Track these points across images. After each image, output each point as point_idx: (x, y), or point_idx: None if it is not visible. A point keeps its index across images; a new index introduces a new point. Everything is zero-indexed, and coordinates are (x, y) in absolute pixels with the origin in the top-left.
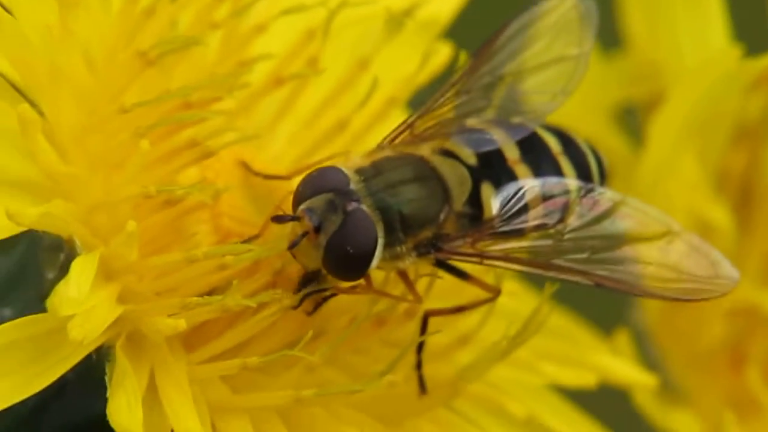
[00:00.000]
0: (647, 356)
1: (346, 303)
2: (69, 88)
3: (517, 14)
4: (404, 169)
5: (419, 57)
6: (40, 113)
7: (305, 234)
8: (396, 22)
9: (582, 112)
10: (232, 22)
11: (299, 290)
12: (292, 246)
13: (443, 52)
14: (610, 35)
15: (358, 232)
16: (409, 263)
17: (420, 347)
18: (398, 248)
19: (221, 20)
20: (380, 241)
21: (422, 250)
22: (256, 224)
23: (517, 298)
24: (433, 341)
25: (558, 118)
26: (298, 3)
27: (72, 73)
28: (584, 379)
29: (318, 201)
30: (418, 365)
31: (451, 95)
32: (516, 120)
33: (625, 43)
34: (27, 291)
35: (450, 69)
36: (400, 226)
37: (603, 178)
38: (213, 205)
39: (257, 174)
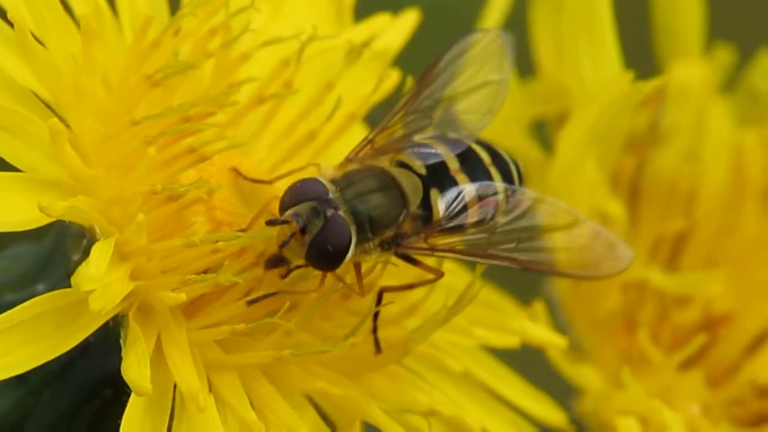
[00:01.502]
0: (558, 322)
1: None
2: (90, 105)
3: (450, 46)
4: (370, 180)
5: (374, 80)
6: (67, 125)
7: (293, 235)
8: (355, 52)
9: (505, 126)
10: (223, 51)
11: (267, 268)
12: (283, 245)
13: (393, 77)
14: (526, 64)
15: (336, 234)
16: (375, 257)
17: (376, 316)
18: (367, 245)
19: (214, 50)
20: (353, 240)
21: (385, 246)
22: (243, 215)
23: (455, 275)
24: (388, 311)
25: (486, 132)
26: (276, 36)
27: (92, 92)
28: (509, 341)
29: (303, 207)
30: (374, 330)
31: (400, 115)
32: (453, 136)
33: (538, 70)
34: (57, 270)
35: (398, 90)
36: (369, 228)
37: (521, 181)
38: (208, 200)
39: (246, 178)
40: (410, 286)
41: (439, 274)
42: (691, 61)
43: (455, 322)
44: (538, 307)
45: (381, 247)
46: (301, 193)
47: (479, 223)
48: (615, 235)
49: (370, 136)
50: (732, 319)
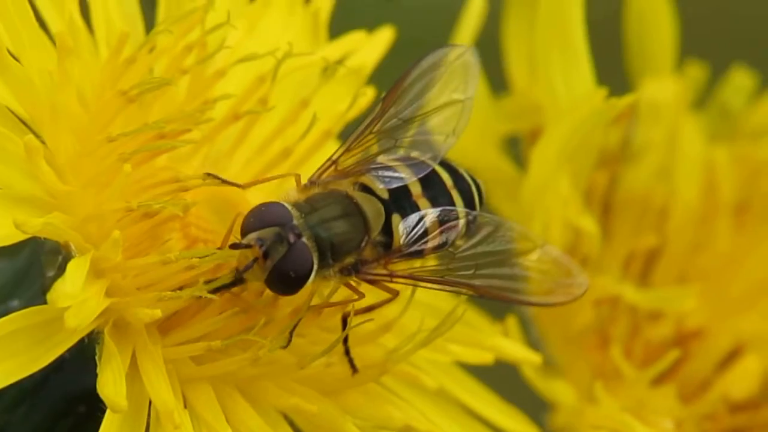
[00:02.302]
0: (531, 337)
1: (290, 297)
2: (66, 121)
3: (415, 63)
4: (334, 206)
5: (350, 97)
6: (42, 142)
7: (256, 259)
8: (331, 69)
9: (478, 142)
10: (198, 68)
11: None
12: (245, 270)
13: (368, 94)
14: (498, 80)
15: (298, 261)
16: (334, 282)
17: (345, 340)
18: (327, 271)
19: (189, 67)
20: (314, 267)
21: (345, 272)
22: (218, 232)
23: (429, 293)
24: (362, 328)
25: (459, 148)
26: (251, 53)
27: (68, 109)
28: (483, 357)
29: (267, 233)
30: (347, 352)
31: (365, 136)
32: (416, 157)
33: (511, 86)
34: (32, 286)
35: (373, 107)
36: (330, 255)
37: (482, 203)
38: (183, 217)
39: (223, 181)
40: (370, 308)
41: (395, 294)
42: (663, 77)
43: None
44: (511, 323)
45: (341, 272)
46: (265, 217)
47: (439, 247)
48: (572, 261)
49: (334, 157)
50: (704, 334)
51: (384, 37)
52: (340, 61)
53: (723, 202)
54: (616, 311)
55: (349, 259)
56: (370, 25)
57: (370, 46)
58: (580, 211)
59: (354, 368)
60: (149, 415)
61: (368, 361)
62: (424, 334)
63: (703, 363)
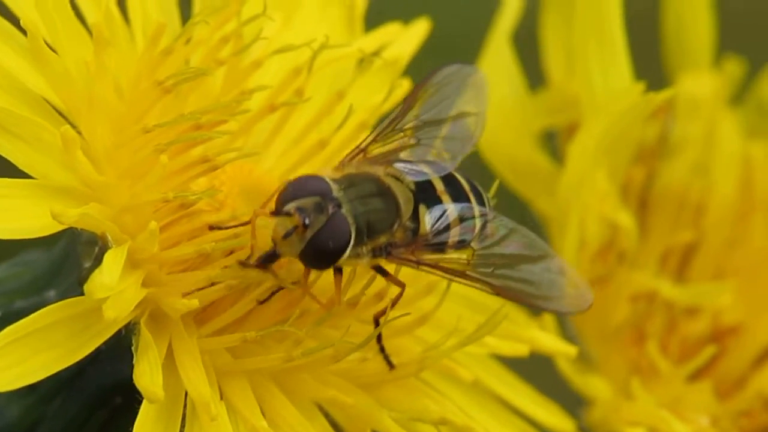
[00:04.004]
0: (567, 333)
1: (325, 288)
2: (102, 112)
3: (436, 70)
4: (370, 184)
5: (385, 89)
6: (79, 133)
7: (296, 227)
8: (366, 61)
9: (515, 136)
10: (234, 59)
11: (257, 265)
12: (286, 236)
13: (404, 86)
14: (536, 74)
15: (338, 232)
16: (365, 262)
17: (379, 338)
18: (361, 249)
19: (225, 58)
20: (351, 240)
21: (377, 252)
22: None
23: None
24: (399, 320)
25: (496, 142)
26: (288, 44)
27: (104, 99)
28: (519, 350)
29: (307, 202)
30: (382, 350)
31: (388, 131)
32: (435, 160)
33: (548, 81)
34: (68, 277)
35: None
36: (366, 231)
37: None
38: (219, 208)
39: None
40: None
41: (403, 286)
42: (701, 73)
43: (465, 330)
44: (548, 317)
45: (372, 253)
46: (304, 188)
47: (459, 243)
48: (579, 276)
49: (362, 145)
50: (741, 330)
51: (420, 30)
52: (375, 53)
53: (760, 198)
54: (652, 307)
55: (382, 239)
56: (406, 17)
57: (406, 38)
58: (616, 206)
59: (390, 365)
60: (185, 406)
61: (404, 355)
62: (463, 329)
63: (739, 359)
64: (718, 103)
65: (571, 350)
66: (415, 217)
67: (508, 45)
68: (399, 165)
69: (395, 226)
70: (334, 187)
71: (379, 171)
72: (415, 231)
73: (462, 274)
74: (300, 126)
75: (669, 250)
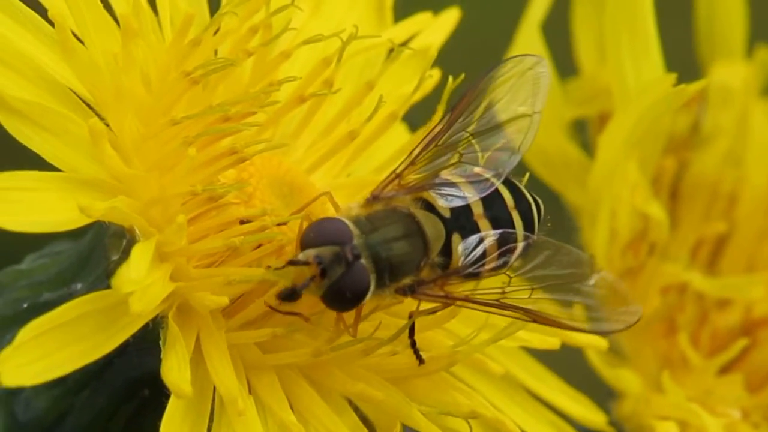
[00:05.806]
0: None
1: None
2: (130, 104)
3: (482, 74)
4: (396, 226)
5: (415, 79)
6: (107, 125)
7: (313, 278)
8: (396, 51)
9: (546, 126)
10: (263, 50)
11: (281, 299)
12: (302, 287)
13: (434, 76)
14: (567, 64)
15: (356, 282)
16: (388, 300)
17: (412, 333)
18: (383, 291)
19: (254, 49)
20: (371, 288)
21: (401, 292)
22: (281, 215)
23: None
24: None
25: None
26: (317, 35)
27: (132, 91)
28: (549, 342)
29: (326, 251)
30: (413, 344)
31: (430, 149)
32: (481, 173)
33: (579, 71)
34: (95, 269)
35: (439, 90)
36: (388, 275)
37: (540, 220)
38: (247, 200)
39: None
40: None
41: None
42: (733, 62)
43: (495, 323)
44: (578, 310)
45: (396, 292)
46: (325, 233)
47: (496, 269)
48: (626, 288)
49: (398, 170)
50: None
51: (450, 19)
52: (405, 43)
53: None
54: (683, 299)
55: (406, 281)
56: (436, 7)
57: (436, 28)
58: (648, 197)
59: (420, 360)
60: (213, 400)
61: (434, 349)
62: (493, 324)
63: None
64: (750, 93)
65: (601, 342)
66: (447, 249)
67: (539, 34)
68: (437, 189)
69: (421, 264)
70: (356, 232)
71: (410, 203)
72: (446, 264)
73: (496, 305)
74: (329, 117)
75: (700, 241)
